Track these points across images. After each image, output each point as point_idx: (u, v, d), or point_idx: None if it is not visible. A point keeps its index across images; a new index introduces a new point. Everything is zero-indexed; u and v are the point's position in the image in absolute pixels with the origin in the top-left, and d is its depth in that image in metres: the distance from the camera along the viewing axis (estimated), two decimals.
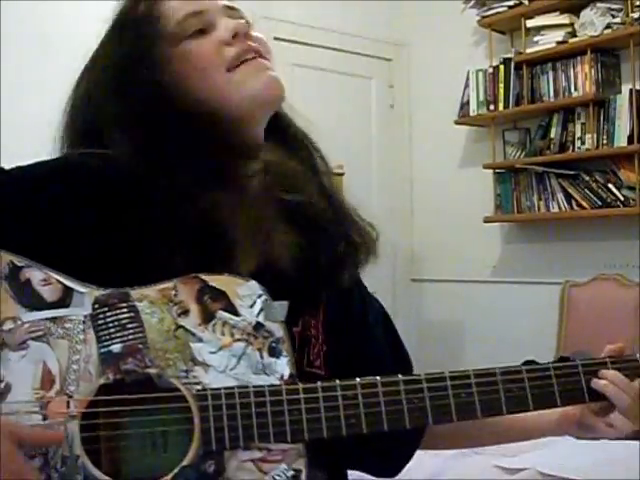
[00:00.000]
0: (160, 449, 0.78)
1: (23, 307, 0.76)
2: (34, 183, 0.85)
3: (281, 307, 0.80)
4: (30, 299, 0.76)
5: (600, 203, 3.62)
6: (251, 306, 0.80)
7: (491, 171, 4.11)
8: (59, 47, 2.80)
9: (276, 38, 4.20)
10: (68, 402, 0.75)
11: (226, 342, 0.79)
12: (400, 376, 0.82)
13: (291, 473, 0.76)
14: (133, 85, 0.85)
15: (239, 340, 0.79)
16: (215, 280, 0.80)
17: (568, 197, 3.75)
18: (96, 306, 0.77)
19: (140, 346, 0.77)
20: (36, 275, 0.77)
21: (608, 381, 0.89)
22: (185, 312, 0.78)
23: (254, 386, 0.77)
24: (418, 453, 1.52)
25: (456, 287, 4.39)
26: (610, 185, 3.60)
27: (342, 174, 3.83)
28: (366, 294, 1.07)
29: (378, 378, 0.81)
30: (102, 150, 0.87)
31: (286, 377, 0.79)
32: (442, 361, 4.41)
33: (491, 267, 4.31)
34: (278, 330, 0.80)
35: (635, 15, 3.45)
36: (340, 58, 4.46)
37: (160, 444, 0.77)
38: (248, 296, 0.80)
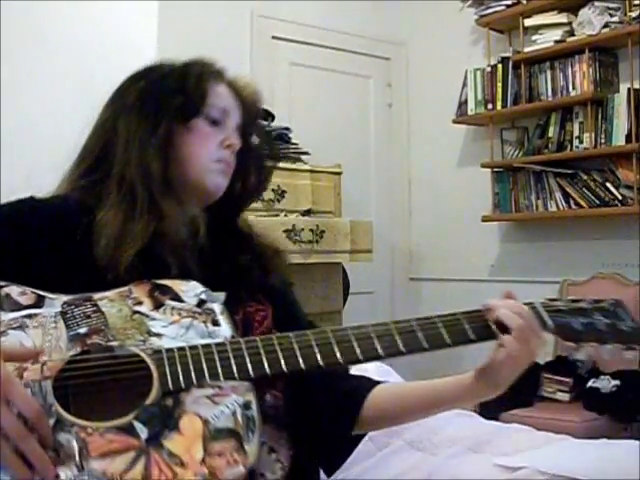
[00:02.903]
0: (125, 404, 0.86)
1: (4, 311, 0.91)
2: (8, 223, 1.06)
3: (219, 295, 0.99)
4: (10, 305, 0.92)
5: (598, 202, 3.63)
6: (194, 296, 0.99)
7: (489, 170, 4.11)
8: (58, 48, 2.80)
9: (274, 37, 4.21)
10: (42, 367, 0.86)
11: (175, 319, 0.95)
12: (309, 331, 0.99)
13: (242, 401, 0.87)
14: (154, 121, 1.13)
15: (186, 317, 0.96)
16: (162, 281, 0.99)
17: (566, 196, 3.75)
18: (65, 305, 0.94)
19: (103, 327, 0.92)
20: (14, 289, 0.94)
21: (500, 305, 1.06)
22: (139, 303, 0.96)
23: (202, 345, 0.92)
24: (417, 454, 1.52)
25: (454, 286, 4.39)
26: (608, 184, 3.60)
27: (340, 173, 3.84)
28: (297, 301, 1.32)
29: (307, 332, 0.98)
30: (57, 194, 1.15)
31: (229, 338, 0.95)
32: (440, 360, 4.41)
33: (489, 266, 4.31)
34: (218, 307, 0.98)
35: (633, 14, 3.46)
36: (338, 57, 4.46)
37: (124, 400, 0.86)
38: (191, 290, 0.99)
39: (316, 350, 0.95)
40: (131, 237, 1.03)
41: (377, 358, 0.98)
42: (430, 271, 4.57)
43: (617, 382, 3.12)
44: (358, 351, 0.97)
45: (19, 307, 0.92)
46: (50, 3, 2.77)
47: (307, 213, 3.57)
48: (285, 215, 3.44)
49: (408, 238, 4.76)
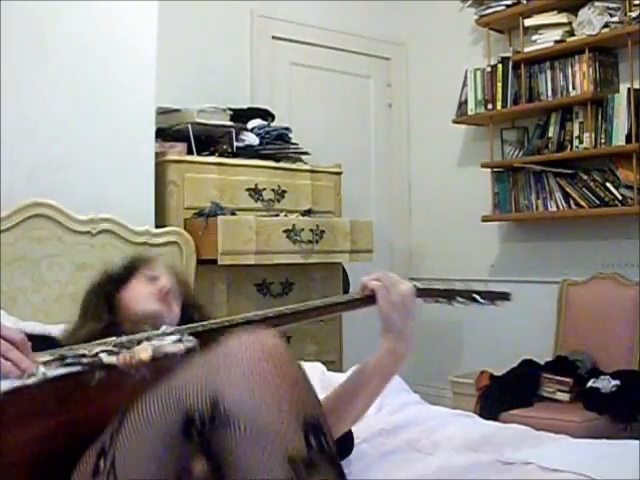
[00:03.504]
0: None
1: None
2: None
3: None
4: None
5: (598, 202, 3.62)
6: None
7: (489, 170, 4.11)
8: (58, 48, 2.79)
9: (274, 37, 4.20)
10: None
11: None
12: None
13: (178, 337, 1.22)
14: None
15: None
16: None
17: (566, 196, 3.75)
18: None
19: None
20: None
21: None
22: None
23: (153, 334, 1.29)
24: (415, 455, 1.52)
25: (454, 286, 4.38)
26: (608, 184, 3.60)
27: (340, 173, 3.83)
28: None
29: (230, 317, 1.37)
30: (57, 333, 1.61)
31: None
32: (440, 360, 4.41)
33: (489, 266, 4.31)
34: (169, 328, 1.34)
35: (633, 14, 3.45)
36: (338, 57, 4.46)
37: None
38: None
39: (238, 317, 1.33)
40: (85, 328, 1.51)
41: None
42: (430, 271, 4.57)
43: (617, 382, 3.12)
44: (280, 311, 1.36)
45: None
46: (50, 3, 2.77)
47: (307, 213, 3.57)
48: (285, 215, 3.44)
49: (408, 238, 4.76)
